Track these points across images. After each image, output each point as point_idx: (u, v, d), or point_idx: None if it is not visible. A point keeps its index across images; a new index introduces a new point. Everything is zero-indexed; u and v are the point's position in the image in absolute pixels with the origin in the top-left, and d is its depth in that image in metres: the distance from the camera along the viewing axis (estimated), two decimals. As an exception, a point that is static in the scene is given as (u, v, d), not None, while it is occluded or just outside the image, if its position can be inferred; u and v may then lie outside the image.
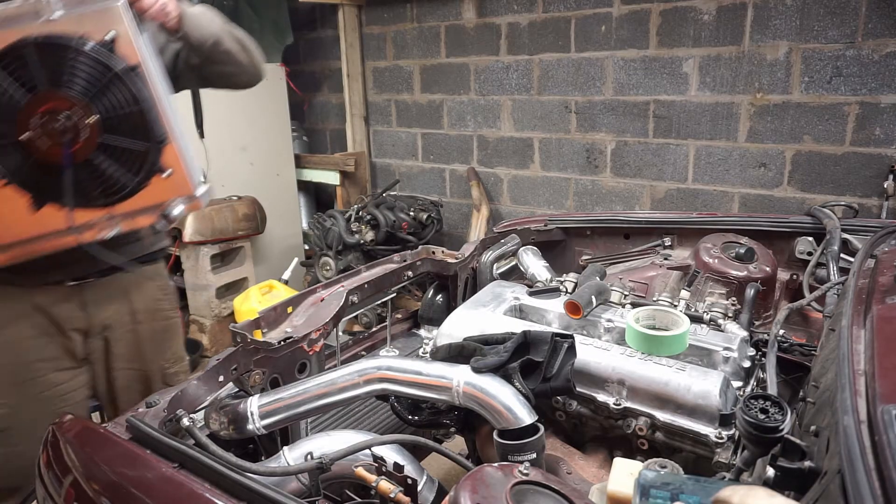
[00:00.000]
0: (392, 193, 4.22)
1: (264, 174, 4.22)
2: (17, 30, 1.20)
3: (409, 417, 1.25)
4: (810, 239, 1.87)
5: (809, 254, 1.85)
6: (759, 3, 3.01)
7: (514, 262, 1.98)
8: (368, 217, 3.85)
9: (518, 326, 1.35)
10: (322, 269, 4.02)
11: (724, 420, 1.14)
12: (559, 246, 2.21)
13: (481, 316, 1.51)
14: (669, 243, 2.03)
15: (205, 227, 3.51)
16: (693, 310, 1.50)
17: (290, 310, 1.44)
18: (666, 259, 1.92)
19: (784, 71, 3.02)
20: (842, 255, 1.69)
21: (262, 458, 1.22)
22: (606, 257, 2.09)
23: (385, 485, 0.99)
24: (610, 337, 1.45)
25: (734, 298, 1.63)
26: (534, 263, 1.86)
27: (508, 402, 1.09)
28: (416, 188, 4.51)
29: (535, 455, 1.04)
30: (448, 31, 4.07)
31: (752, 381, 1.32)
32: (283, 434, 1.27)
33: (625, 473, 0.97)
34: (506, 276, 1.96)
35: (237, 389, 1.26)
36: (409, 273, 1.74)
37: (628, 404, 1.24)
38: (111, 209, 1.32)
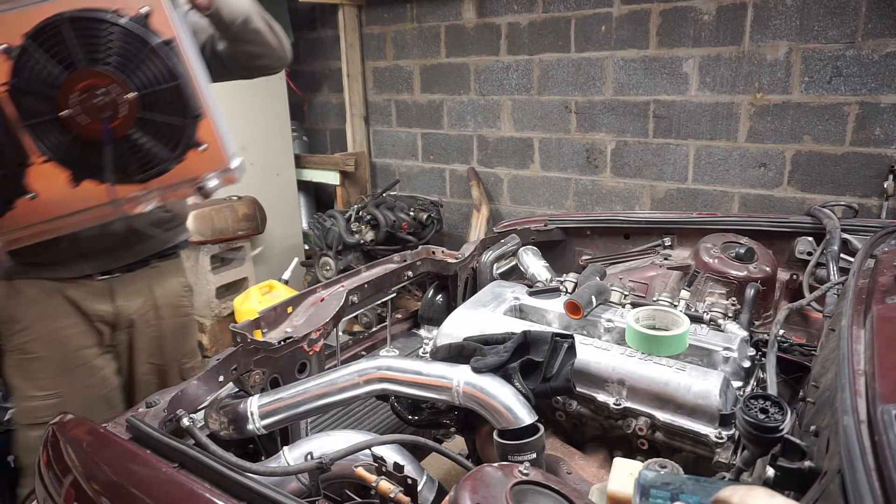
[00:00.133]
0: (392, 193, 4.22)
1: (264, 174, 4.22)
2: (51, 5, 1.19)
3: (409, 417, 1.25)
4: (810, 239, 1.87)
5: (809, 254, 1.85)
6: (759, 3, 3.01)
7: (514, 262, 1.98)
8: (368, 217, 3.85)
9: (518, 326, 1.35)
10: (322, 269, 4.02)
11: (724, 420, 1.14)
12: (559, 246, 2.21)
13: (481, 316, 1.51)
14: (669, 243, 2.03)
15: (205, 227, 3.51)
16: (693, 310, 1.49)
17: (290, 310, 1.45)
18: (666, 259, 1.92)
19: (784, 71, 3.02)
20: (842, 255, 1.68)
21: (262, 458, 1.22)
22: (606, 257, 2.09)
23: (385, 485, 0.99)
24: (610, 337, 1.45)
25: (734, 298, 1.63)
26: (534, 263, 1.86)
27: (508, 402, 1.09)
28: (416, 188, 4.51)
29: (535, 455, 1.04)
30: (448, 31, 4.07)
31: (752, 381, 1.32)
32: (283, 434, 1.27)
33: (625, 473, 0.97)
34: (506, 276, 1.96)
35: (237, 389, 1.26)
36: (409, 273, 1.74)
37: (628, 404, 1.24)
38: (148, 184, 1.33)
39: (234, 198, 3.77)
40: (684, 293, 1.58)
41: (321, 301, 1.48)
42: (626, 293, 1.57)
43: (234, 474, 0.93)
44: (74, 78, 1.22)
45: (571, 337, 1.21)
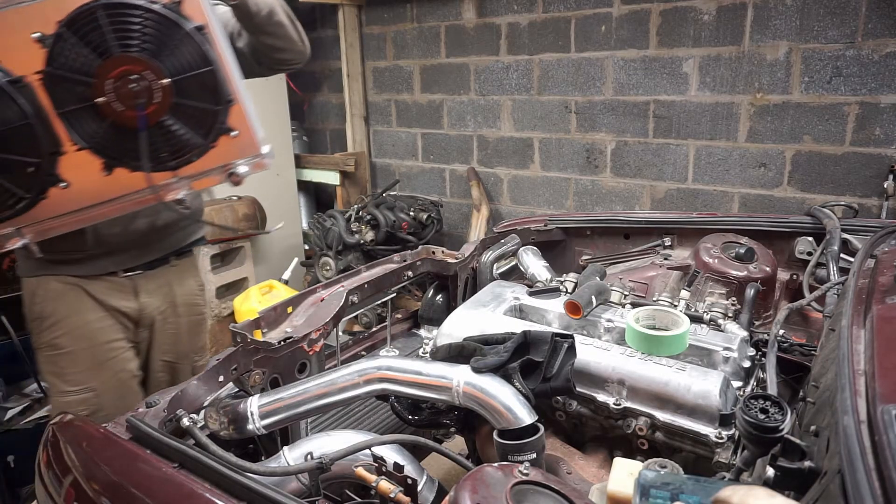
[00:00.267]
0: (392, 193, 4.22)
1: (264, 174, 4.18)
2: None
3: (409, 417, 1.25)
4: (810, 239, 1.87)
5: (809, 254, 1.85)
6: (759, 3, 3.01)
7: (514, 262, 1.98)
8: (368, 217, 3.85)
9: (518, 326, 1.35)
10: (322, 269, 4.02)
11: (724, 420, 1.14)
12: (559, 246, 2.21)
13: (481, 316, 1.51)
14: (669, 243, 2.03)
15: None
16: (693, 310, 1.49)
17: (290, 310, 1.45)
18: (666, 259, 1.92)
19: (784, 71, 3.02)
20: (842, 255, 1.68)
21: (262, 458, 1.22)
22: (606, 257, 2.09)
23: (385, 485, 0.99)
24: (610, 337, 1.45)
25: (734, 298, 1.63)
26: (534, 263, 1.86)
27: (508, 402, 1.09)
28: (416, 188, 4.51)
29: (535, 455, 1.04)
30: (448, 31, 4.07)
31: (752, 381, 1.32)
32: (283, 434, 1.27)
33: (625, 473, 0.97)
34: (506, 276, 1.96)
35: (237, 389, 1.26)
36: (409, 273, 1.74)
37: (628, 404, 1.24)
38: (181, 170, 1.33)
39: (234, 198, 3.77)
40: (684, 293, 1.58)
41: (321, 301, 1.48)
42: (626, 293, 1.57)
43: (234, 474, 0.93)
44: (109, 65, 1.21)
45: (571, 337, 1.21)
